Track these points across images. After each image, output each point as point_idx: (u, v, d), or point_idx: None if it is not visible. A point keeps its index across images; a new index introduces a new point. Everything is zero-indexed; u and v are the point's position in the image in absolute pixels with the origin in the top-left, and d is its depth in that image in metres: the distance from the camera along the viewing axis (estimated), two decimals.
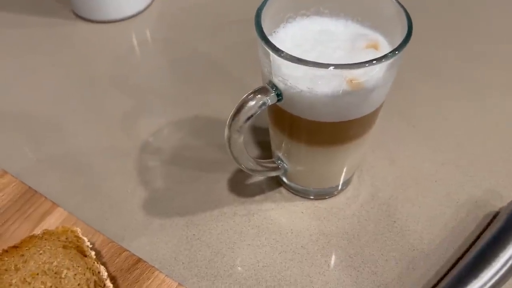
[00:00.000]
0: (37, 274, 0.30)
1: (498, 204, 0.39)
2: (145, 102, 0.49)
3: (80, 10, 0.57)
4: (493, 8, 0.59)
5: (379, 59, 0.28)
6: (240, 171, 0.41)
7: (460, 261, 0.34)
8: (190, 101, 0.48)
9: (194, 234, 0.37)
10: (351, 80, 0.29)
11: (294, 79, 0.30)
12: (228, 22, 0.58)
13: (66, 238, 0.32)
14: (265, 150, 0.43)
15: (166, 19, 0.59)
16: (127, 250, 0.35)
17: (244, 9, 0.60)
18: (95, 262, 0.31)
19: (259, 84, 0.34)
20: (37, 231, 0.36)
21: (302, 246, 0.36)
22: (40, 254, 0.31)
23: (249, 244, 0.37)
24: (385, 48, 0.33)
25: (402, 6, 0.31)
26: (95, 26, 0.57)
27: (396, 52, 0.28)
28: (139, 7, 0.58)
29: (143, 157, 0.43)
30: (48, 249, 0.31)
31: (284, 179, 0.40)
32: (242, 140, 0.32)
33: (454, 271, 0.33)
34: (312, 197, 0.40)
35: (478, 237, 0.37)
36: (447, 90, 0.49)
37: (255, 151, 0.43)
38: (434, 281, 0.34)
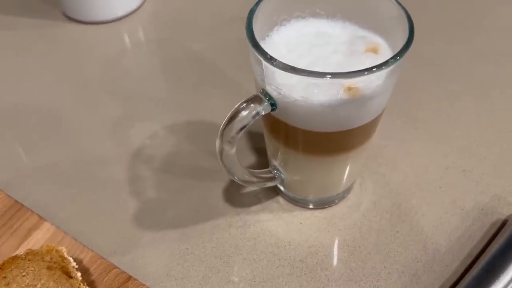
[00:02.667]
0: None
1: (506, 211, 0.37)
2: (137, 107, 0.47)
3: (70, 11, 0.55)
4: (498, 5, 0.56)
5: (379, 66, 0.26)
6: None
7: (467, 274, 0.33)
8: (184, 105, 0.47)
9: (187, 248, 0.36)
10: (348, 88, 0.27)
11: (288, 88, 0.28)
12: (223, 21, 0.56)
13: (51, 259, 0.31)
14: (261, 156, 0.42)
15: (159, 19, 0.57)
16: (117, 267, 0.33)
17: (239, 7, 0.57)
18: (81, 284, 0.30)
19: (254, 87, 0.32)
20: (24, 247, 0.34)
21: (300, 260, 0.35)
22: (23, 276, 0.29)
23: (245, 258, 0.35)
24: (385, 52, 0.31)
25: (402, 7, 0.29)
26: (86, 28, 0.55)
27: (398, 58, 0.27)
28: (131, 7, 0.56)
29: (135, 165, 0.41)
30: (32, 270, 0.30)
31: (282, 188, 0.38)
32: (235, 151, 0.30)
33: (461, 286, 0.32)
34: (311, 207, 0.38)
35: (485, 247, 0.35)
36: (451, 91, 0.47)
37: (250, 158, 0.42)
38: None
